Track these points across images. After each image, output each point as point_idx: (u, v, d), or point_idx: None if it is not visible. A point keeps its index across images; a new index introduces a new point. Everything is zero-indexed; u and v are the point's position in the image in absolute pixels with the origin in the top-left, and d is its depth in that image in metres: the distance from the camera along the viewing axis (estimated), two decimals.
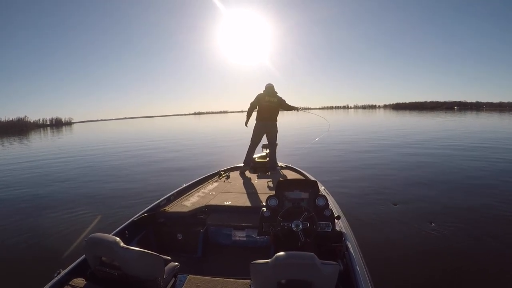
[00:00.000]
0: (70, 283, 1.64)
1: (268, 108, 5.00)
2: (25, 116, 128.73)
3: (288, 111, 5.52)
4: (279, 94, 5.10)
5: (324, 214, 2.26)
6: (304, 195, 2.37)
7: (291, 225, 2.00)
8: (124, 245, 1.53)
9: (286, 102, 5.15)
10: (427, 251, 3.57)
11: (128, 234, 2.46)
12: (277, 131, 5.15)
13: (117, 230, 2.40)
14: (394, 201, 5.35)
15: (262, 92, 5.07)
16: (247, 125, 5.31)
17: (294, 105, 5.41)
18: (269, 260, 1.36)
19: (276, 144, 5.15)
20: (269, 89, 5.00)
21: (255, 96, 5.09)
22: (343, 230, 2.36)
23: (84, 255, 1.83)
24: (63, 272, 1.76)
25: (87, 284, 1.63)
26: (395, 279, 2.99)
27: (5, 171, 9.84)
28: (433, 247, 3.67)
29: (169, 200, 3.26)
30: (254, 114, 5.21)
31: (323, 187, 3.44)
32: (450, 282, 3.00)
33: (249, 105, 5.14)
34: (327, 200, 2.36)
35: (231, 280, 2.08)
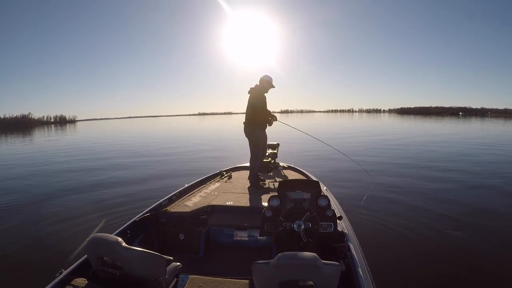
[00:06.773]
0: (72, 283, 1.64)
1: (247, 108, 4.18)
2: (29, 113, 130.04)
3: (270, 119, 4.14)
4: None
5: (326, 214, 2.26)
6: (306, 195, 2.36)
7: (293, 225, 2.00)
8: (126, 245, 1.53)
9: (260, 100, 3.96)
10: (429, 252, 3.55)
11: (130, 234, 2.46)
12: (256, 139, 4.10)
13: (119, 230, 2.40)
14: (397, 201, 5.33)
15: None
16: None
17: (271, 114, 4.07)
18: (271, 260, 1.36)
19: (260, 155, 4.18)
20: (260, 83, 4.12)
21: None
22: (345, 231, 2.35)
23: (86, 255, 1.83)
24: (65, 272, 1.76)
25: (89, 284, 1.63)
26: (396, 280, 2.97)
27: (8, 171, 9.88)
28: (434, 248, 3.64)
29: (171, 200, 3.26)
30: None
31: (325, 187, 3.43)
32: (451, 284, 2.98)
33: None
34: (329, 201, 2.35)
35: (233, 280, 2.08)
